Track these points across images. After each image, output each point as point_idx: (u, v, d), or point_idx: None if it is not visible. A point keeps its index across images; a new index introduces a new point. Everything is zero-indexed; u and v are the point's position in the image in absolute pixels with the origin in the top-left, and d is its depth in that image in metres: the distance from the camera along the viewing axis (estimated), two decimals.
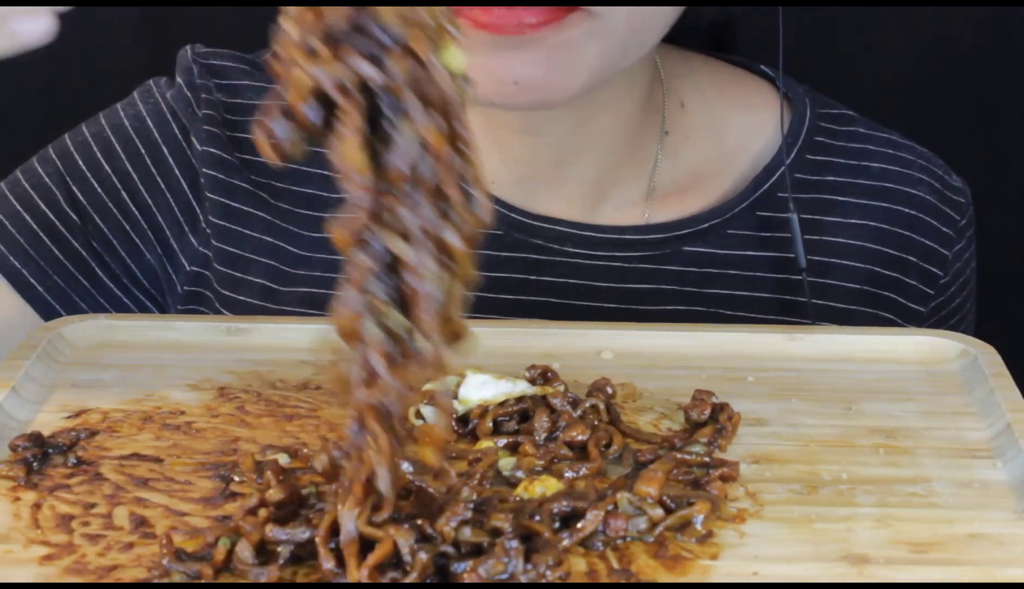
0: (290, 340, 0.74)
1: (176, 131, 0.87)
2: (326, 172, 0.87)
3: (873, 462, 0.63)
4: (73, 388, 0.69)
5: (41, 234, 0.86)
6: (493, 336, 0.73)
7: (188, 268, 0.87)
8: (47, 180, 0.87)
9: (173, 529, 0.56)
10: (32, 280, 0.85)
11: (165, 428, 0.65)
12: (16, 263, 0.85)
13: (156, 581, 0.53)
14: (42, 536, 0.56)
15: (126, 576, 0.54)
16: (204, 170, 0.86)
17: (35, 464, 0.62)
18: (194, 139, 0.87)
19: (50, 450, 0.63)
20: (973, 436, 0.65)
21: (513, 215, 0.86)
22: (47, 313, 0.85)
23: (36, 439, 0.63)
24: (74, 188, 0.87)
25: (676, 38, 0.88)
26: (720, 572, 0.55)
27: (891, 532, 0.57)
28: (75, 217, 0.86)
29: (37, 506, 0.59)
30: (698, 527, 0.57)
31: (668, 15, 0.75)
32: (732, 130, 0.90)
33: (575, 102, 0.75)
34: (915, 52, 1.23)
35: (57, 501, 0.59)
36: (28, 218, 0.86)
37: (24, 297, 0.85)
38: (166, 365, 0.71)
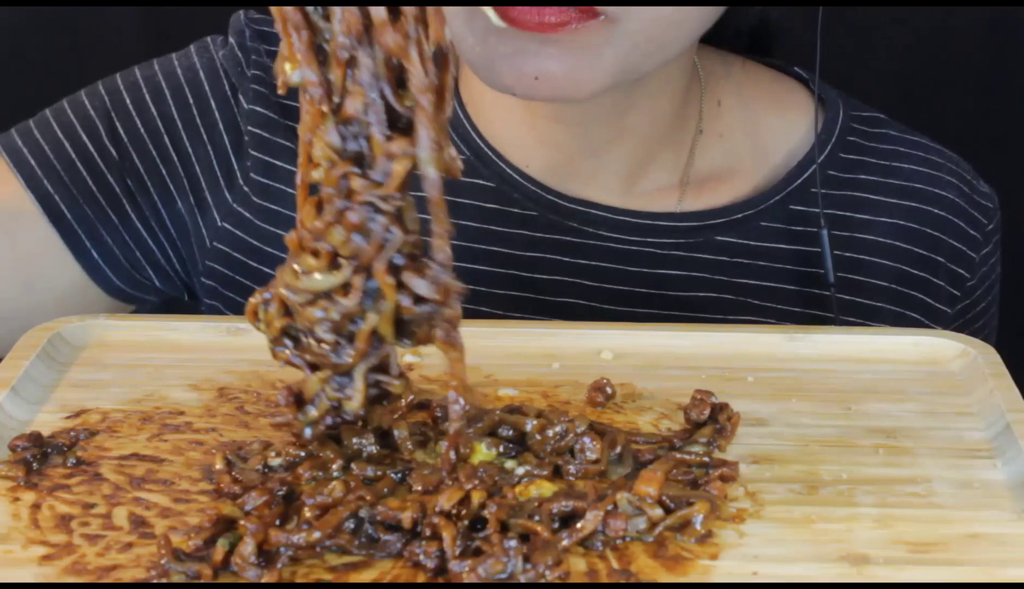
0: None
1: (226, 88, 0.88)
2: None
3: (873, 462, 0.63)
4: (73, 388, 0.69)
5: (78, 163, 0.86)
6: (492, 336, 0.73)
7: (220, 224, 0.88)
8: (91, 112, 0.87)
9: (172, 529, 0.56)
10: (63, 206, 0.85)
11: (165, 428, 0.65)
12: (49, 188, 0.85)
13: (155, 581, 0.53)
14: (41, 536, 0.56)
15: (125, 576, 0.54)
16: (249, 128, 0.87)
17: (35, 464, 0.62)
18: (241, 97, 0.88)
19: (50, 450, 0.63)
20: (973, 436, 0.65)
21: (548, 196, 0.87)
22: (73, 242, 0.85)
23: (36, 439, 0.63)
24: (117, 123, 0.87)
25: (717, 40, 0.90)
26: (720, 572, 0.55)
27: (891, 532, 0.57)
28: (114, 152, 0.87)
29: (36, 506, 0.59)
30: (698, 527, 0.57)
31: (691, 25, 0.76)
32: (767, 128, 0.91)
33: (601, 98, 0.76)
34: (911, 50, 1.24)
35: (56, 501, 0.59)
36: (68, 146, 0.86)
37: (52, 223, 0.85)
38: (166, 365, 0.71)
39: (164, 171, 0.87)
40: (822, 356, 0.73)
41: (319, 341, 0.59)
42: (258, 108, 0.87)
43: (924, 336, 0.74)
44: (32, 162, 0.86)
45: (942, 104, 1.24)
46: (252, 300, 0.61)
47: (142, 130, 0.87)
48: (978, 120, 1.25)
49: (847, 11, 1.21)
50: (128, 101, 0.88)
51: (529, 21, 0.71)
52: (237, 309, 0.89)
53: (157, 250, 0.88)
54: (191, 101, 0.88)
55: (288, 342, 0.60)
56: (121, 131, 0.87)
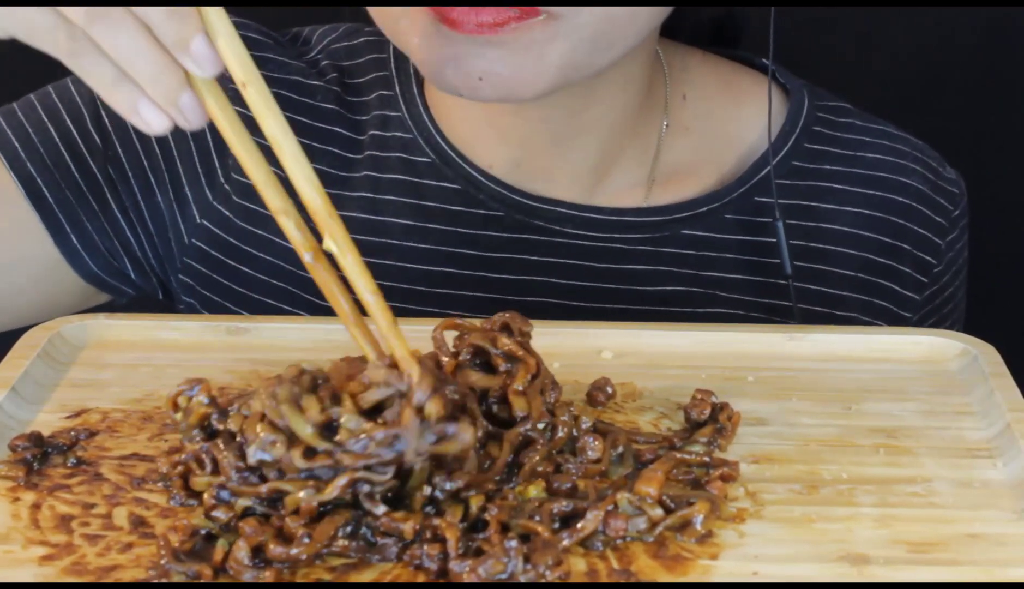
0: (290, 340, 0.74)
1: None
2: (333, 149, 0.88)
3: (873, 462, 0.63)
4: (73, 388, 0.69)
5: (61, 147, 0.86)
6: None
7: (199, 221, 0.88)
8: (77, 98, 0.88)
9: (172, 529, 0.56)
10: (44, 189, 0.85)
11: (165, 428, 0.65)
12: (32, 170, 0.85)
13: (155, 581, 0.53)
14: (42, 536, 0.56)
15: (125, 576, 0.54)
16: None
17: (35, 464, 0.62)
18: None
19: (50, 450, 0.63)
20: (973, 436, 0.65)
21: (513, 196, 0.87)
22: (52, 224, 0.85)
23: (36, 439, 0.63)
24: (102, 112, 0.88)
25: (680, 34, 0.91)
26: (720, 572, 0.55)
27: (891, 532, 0.57)
28: (97, 139, 0.87)
29: (37, 506, 0.59)
30: (698, 527, 0.57)
31: (640, 19, 0.76)
32: (731, 121, 0.92)
33: (559, 93, 0.76)
34: (909, 50, 1.24)
35: (57, 501, 0.59)
36: (52, 129, 0.87)
37: (33, 204, 0.85)
38: (166, 365, 0.71)
39: (146, 163, 0.88)
40: (822, 356, 0.73)
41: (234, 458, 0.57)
42: (239, 108, 0.87)
43: (924, 335, 0.74)
44: (15, 143, 0.86)
45: (942, 105, 1.25)
46: (176, 389, 0.62)
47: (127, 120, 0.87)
48: (979, 121, 1.25)
49: (845, 11, 1.21)
50: None
51: (468, 23, 0.72)
52: (214, 308, 0.89)
53: (135, 242, 0.89)
54: None
55: (197, 433, 0.60)
56: (106, 120, 0.87)
